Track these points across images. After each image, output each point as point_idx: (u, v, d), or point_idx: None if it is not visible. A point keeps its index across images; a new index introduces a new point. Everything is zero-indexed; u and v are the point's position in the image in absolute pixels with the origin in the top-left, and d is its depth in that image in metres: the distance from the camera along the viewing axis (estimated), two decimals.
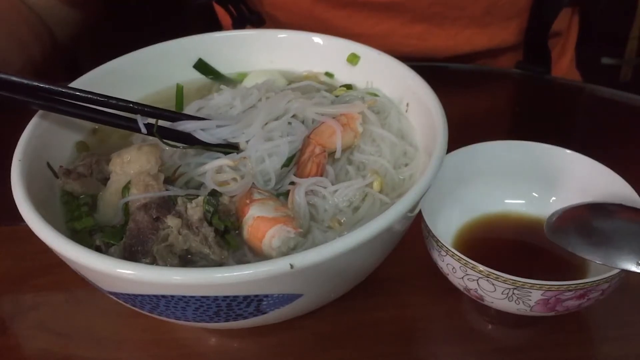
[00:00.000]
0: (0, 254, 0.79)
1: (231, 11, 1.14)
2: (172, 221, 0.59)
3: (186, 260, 0.59)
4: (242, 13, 1.14)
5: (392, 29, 1.11)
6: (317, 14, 1.11)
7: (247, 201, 0.62)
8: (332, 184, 0.65)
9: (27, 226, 0.56)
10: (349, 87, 0.81)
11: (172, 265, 0.57)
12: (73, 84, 0.74)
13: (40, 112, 0.69)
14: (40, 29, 1.11)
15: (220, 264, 0.59)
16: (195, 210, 0.59)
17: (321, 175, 0.66)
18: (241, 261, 0.60)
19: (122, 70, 0.80)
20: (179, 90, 0.80)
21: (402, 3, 1.07)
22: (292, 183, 0.65)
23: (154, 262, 0.57)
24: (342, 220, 0.63)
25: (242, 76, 0.85)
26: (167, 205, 0.60)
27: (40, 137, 0.68)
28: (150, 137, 0.69)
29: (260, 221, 0.59)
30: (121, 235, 0.60)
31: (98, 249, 0.59)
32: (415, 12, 1.08)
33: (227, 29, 1.24)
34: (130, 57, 0.81)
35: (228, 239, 0.60)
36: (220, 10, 1.22)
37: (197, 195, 0.61)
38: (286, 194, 0.65)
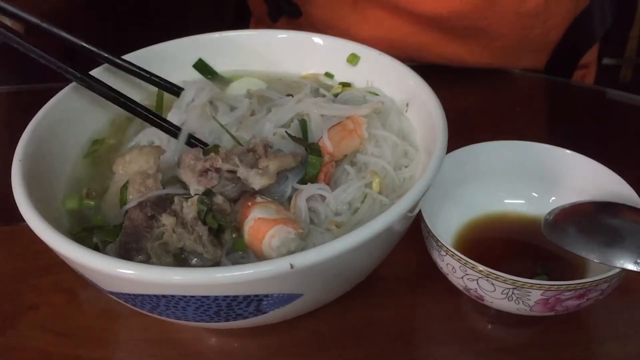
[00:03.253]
0: (0, 254, 0.79)
1: (268, 2, 1.13)
2: (166, 219, 0.59)
3: (180, 258, 0.59)
4: (279, 4, 1.13)
5: (426, 44, 1.11)
6: (359, 10, 1.11)
7: (249, 204, 0.62)
8: (333, 188, 0.65)
9: (27, 226, 0.56)
10: (346, 85, 0.81)
11: (167, 263, 0.57)
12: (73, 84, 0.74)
13: (40, 112, 0.69)
14: None
15: (214, 262, 0.59)
16: (190, 209, 0.59)
17: (328, 183, 0.66)
18: (238, 262, 0.60)
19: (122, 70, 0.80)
20: (159, 96, 0.80)
21: (440, 20, 1.07)
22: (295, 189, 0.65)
23: (148, 259, 0.57)
24: (341, 222, 0.63)
25: (237, 78, 0.85)
26: (163, 204, 0.61)
27: (41, 137, 0.68)
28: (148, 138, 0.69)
29: (260, 222, 0.59)
30: (117, 233, 0.60)
31: (97, 248, 0.60)
32: (451, 33, 1.09)
33: (259, 18, 1.24)
34: (130, 58, 0.81)
35: (222, 238, 0.60)
36: (253, 2, 1.21)
37: (193, 195, 0.61)
38: (289, 200, 0.65)
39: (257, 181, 0.61)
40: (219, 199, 0.61)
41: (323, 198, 0.64)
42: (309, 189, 0.64)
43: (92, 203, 0.66)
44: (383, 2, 1.08)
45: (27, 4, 0.81)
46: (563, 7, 1.11)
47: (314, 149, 0.67)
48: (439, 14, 1.06)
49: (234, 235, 0.61)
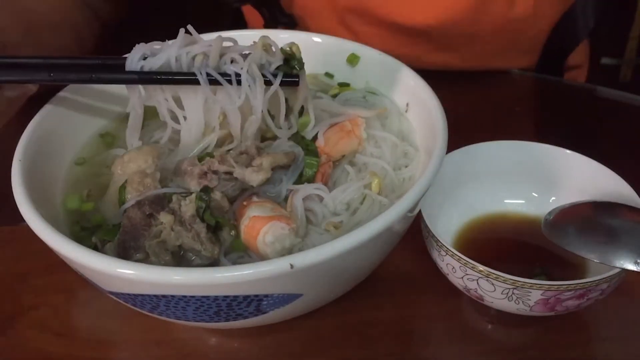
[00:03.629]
0: (0, 254, 0.79)
1: (264, 13, 1.14)
2: (164, 217, 0.59)
3: (178, 256, 0.59)
4: (275, 15, 1.14)
5: (416, 55, 1.11)
6: (347, 25, 1.12)
7: (245, 203, 0.62)
8: (332, 189, 0.65)
9: (27, 226, 0.56)
10: (345, 85, 0.81)
11: (165, 261, 0.58)
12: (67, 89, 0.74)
13: (40, 112, 0.69)
14: (89, 13, 1.10)
15: (212, 259, 0.59)
16: (188, 207, 0.60)
17: (326, 183, 0.66)
18: (238, 262, 0.60)
19: None
20: None
21: (430, 31, 1.07)
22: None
23: (146, 257, 0.57)
24: (339, 223, 0.63)
25: None
26: (161, 202, 0.61)
27: (41, 137, 0.68)
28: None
29: (255, 220, 0.59)
30: (117, 233, 0.60)
31: (95, 248, 0.60)
32: (440, 42, 1.09)
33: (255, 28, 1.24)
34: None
35: (220, 236, 0.61)
36: (249, 12, 1.22)
37: (191, 193, 0.61)
38: (285, 201, 0.65)
39: (254, 178, 0.62)
40: (217, 195, 0.61)
41: (321, 198, 0.64)
42: (306, 189, 0.64)
43: (91, 205, 0.66)
44: (370, 18, 1.09)
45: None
46: (553, 8, 1.12)
47: (311, 150, 0.67)
48: (428, 24, 1.06)
49: (232, 233, 0.61)
